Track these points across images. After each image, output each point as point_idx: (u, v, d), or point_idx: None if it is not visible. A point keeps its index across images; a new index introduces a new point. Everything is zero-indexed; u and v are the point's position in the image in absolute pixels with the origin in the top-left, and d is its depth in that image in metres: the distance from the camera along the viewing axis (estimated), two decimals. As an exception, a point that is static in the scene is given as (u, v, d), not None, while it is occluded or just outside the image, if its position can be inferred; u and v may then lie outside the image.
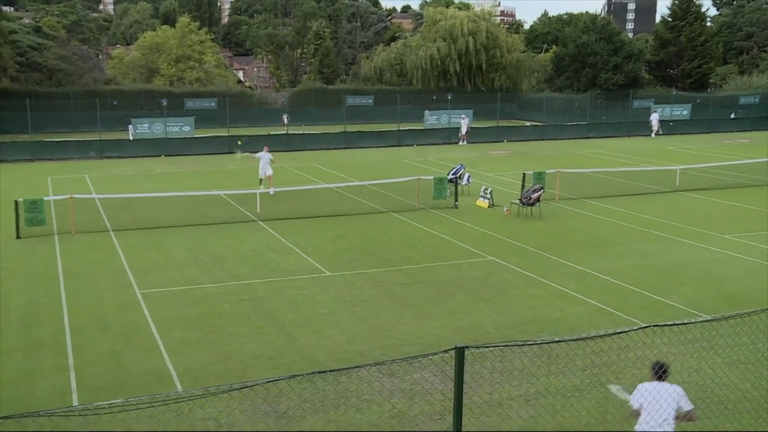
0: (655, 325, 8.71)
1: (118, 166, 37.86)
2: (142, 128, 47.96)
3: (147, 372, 11.61)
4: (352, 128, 50.65)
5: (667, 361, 10.36)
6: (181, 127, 48.49)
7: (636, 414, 7.78)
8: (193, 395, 8.30)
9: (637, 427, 7.71)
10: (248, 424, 9.62)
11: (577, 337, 10.59)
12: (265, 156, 27.70)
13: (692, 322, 12.17)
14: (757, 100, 66.39)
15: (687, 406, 7.68)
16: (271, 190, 26.69)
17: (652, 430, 7.53)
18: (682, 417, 7.68)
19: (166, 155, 42.05)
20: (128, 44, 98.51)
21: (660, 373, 7.79)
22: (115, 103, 58.94)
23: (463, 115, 51.24)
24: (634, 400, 7.82)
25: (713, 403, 10.38)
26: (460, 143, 48.09)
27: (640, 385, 7.88)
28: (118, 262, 18.44)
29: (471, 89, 71.99)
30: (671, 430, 7.54)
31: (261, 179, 27.71)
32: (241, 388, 6.70)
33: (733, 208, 25.35)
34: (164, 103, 48.97)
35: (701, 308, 14.55)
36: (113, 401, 8.77)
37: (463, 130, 48.53)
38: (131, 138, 46.43)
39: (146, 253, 19.23)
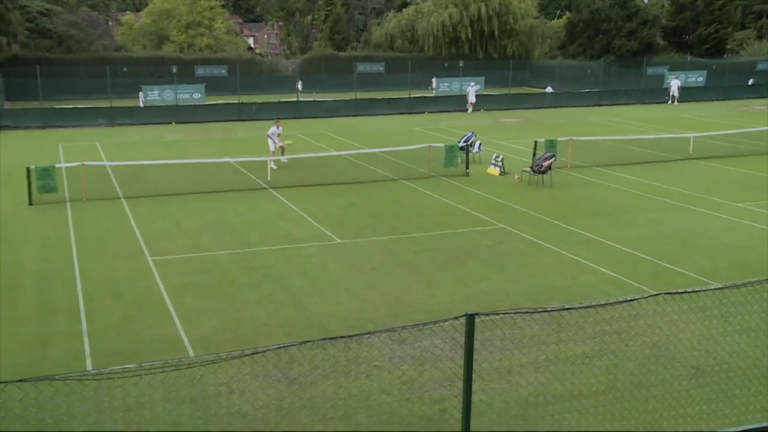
0: (666, 293, 8.71)
1: (128, 133, 37.90)
2: (152, 95, 47.92)
3: (159, 338, 11.72)
4: (362, 96, 50.40)
5: (677, 329, 10.36)
6: (191, 95, 48.42)
7: None
8: (205, 360, 8.37)
9: None
10: (259, 390, 9.72)
11: (587, 305, 10.58)
12: (275, 132, 27.35)
13: (703, 290, 12.13)
14: (775, 66, 65.50)
15: None
16: (284, 158, 26.67)
17: None
18: None
19: (176, 122, 42.02)
20: (138, 10, 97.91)
21: None
22: (125, 70, 58.85)
23: (472, 83, 50.75)
24: None
25: (723, 370, 10.39)
26: (469, 111, 47.69)
27: None
28: (129, 229, 18.53)
29: (483, 56, 71.33)
30: None
31: (273, 151, 27.39)
32: (252, 354, 6.75)
33: (747, 176, 25.14)
34: (174, 70, 48.92)
35: (713, 276, 14.50)
36: (126, 366, 8.86)
37: (472, 98, 48.09)
38: (141, 105, 46.44)
39: (157, 221, 19.31)
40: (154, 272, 15.08)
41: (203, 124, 41.81)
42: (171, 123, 41.90)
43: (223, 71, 62.63)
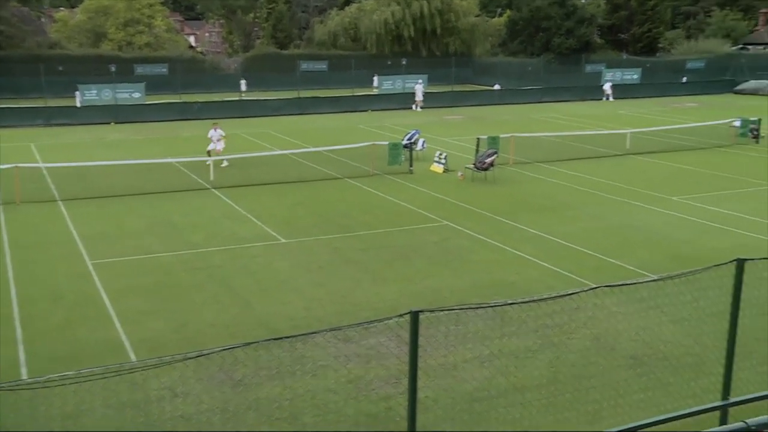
0: (605, 286, 8.94)
1: (66, 133, 36.99)
2: (90, 94, 46.88)
3: (100, 343, 11.49)
4: (306, 94, 50.23)
5: (616, 321, 10.64)
6: (131, 94, 47.53)
7: None
8: (148, 365, 8.25)
9: None
10: (204, 393, 9.63)
11: (529, 299, 10.78)
12: (214, 135, 26.78)
13: (640, 282, 12.49)
14: (703, 64, 67.64)
15: None
16: (209, 160, 25.52)
17: None
18: None
19: (116, 122, 41.17)
20: (73, 7, 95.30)
21: None
22: (60, 68, 57.28)
23: (419, 81, 51.00)
24: None
25: (658, 359, 10.71)
26: (415, 109, 47.92)
27: None
28: (67, 232, 18.09)
29: (426, 54, 71.73)
30: None
31: (209, 151, 26.73)
32: (197, 356, 6.69)
33: (682, 171, 25.91)
34: (113, 69, 47.87)
35: (651, 269, 14.90)
36: (64, 373, 8.67)
37: (419, 96, 48.33)
38: (79, 105, 45.34)
39: (98, 223, 18.91)
40: (93, 275, 14.76)
41: (144, 123, 41.05)
42: (110, 123, 41.02)
43: (164, 70, 61.56)
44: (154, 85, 54.00)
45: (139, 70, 60.44)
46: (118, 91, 46.95)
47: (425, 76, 57.62)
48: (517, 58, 75.25)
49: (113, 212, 20.07)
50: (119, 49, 66.83)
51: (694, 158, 28.37)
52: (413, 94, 48.99)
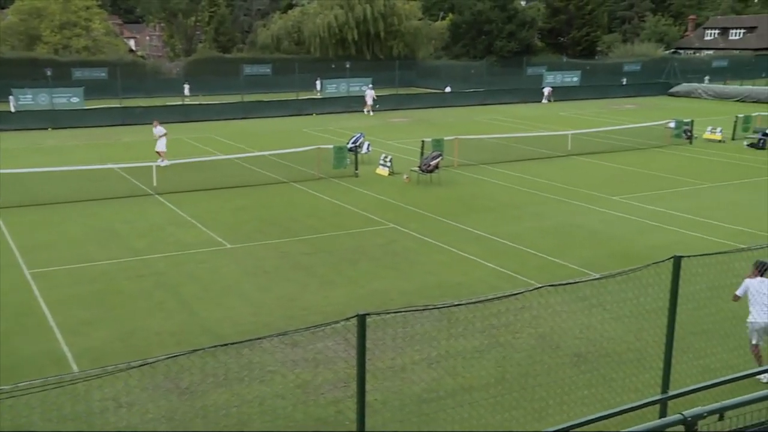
0: (549, 285, 9.11)
1: (0, 139, 35.87)
2: (25, 99, 45.59)
3: (40, 355, 11.19)
4: (250, 98, 49.82)
5: (561, 319, 10.84)
6: (69, 98, 46.42)
7: (737, 298, 10.37)
8: (90, 375, 8.08)
9: (749, 317, 10.18)
10: (149, 402, 9.47)
11: (475, 300, 10.90)
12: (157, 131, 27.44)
13: (583, 281, 12.76)
14: (639, 67, 69.50)
15: None
16: (163, 162, 26.16)
17: (758, 315, 10.08)
18: None
19: (53, 128, 40.15)
20: (2, 8, 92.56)
21: (762, 269, 10.29)
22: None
23: (370, 85, 50.77)
24: (740, 290, 10.30)
25: (601, 356, 10.97)
26: (367, 113, 47.51)
27: (747, 279, 10.30)
28: (3, 241, 17.57)
29: (370, 57, 71.90)
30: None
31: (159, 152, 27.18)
32: (141, 365, 6.58)
33: (621, 171, 26.54)
34: (49, 73, 46.64)
35: (593, 267, 15.23)
36: (1, 387, 8.42)
37: (369, 101, 48.12)
38: (13, 110, 44.05)
39: (36, 231, 18.42)
40: (32, 285, 14.37)
41: (84, 129, 40.10)
42: (48, 128, 39.98)
43: (103, 74, 60.22)
44: (93, 89, 52.79)
45: (77, 74, 59.01)
46: (55, 95, 45.78)
47: (369, 79, 57.71)
48: (460, 61, 76.06)
49: (52, 220, 19.57)
50: (55, 53, 65.12)
51: (632, 158, 29.10)
52: (363, 98, 48.47)
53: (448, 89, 58.50)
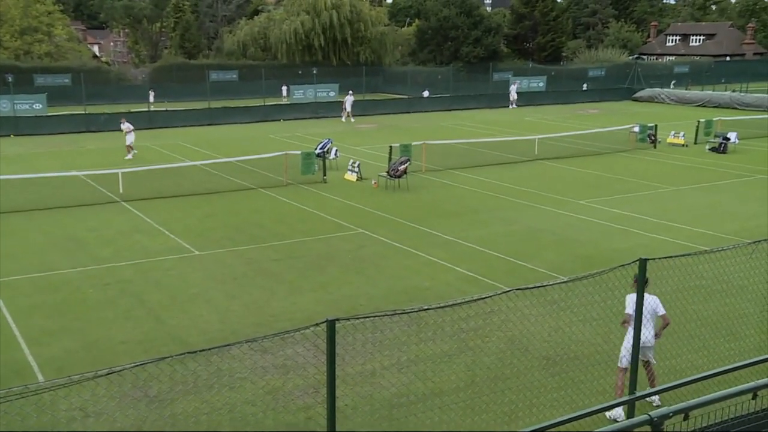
0: (517, 289, 9.17)
1: (-39, 147, 35.17)
2: (-15, 106, 44.65)
3: (3, 365, 10.97)
4: (216, 104, 49.43)
5: (529, 323, 10.94)
6: (31, 105, 45.60)
7: (630, 318, 9.23)
8: (55, 385, 7.95)
9: (629, 327, 9.28)
10: (117, 411, 9.34)
11: (444, 304, 10.95)
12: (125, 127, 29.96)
13: (551, 284, 12.87)
14: (603, 72, 70.49)
15: (661, 311, 9.48)
16: (130, 154, 29.05)
17: (645, 333, 9.15)
18: (661, 322, 9.55)
19: (15, 135, 39.46)
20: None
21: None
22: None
23: (350, 92, 50.16)
24: (629, 308, 9.27)
25: (570, 358, 11.07)
26: (344, 119, 46.91)
27: (628, 297, 9.42)
28: (-34, 250, 17.22)
29: (336, 63, 71.91)
30: (651, 329, 9.41)
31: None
32: (108, 374, 6.50)
33: (587, 175, 26.87)
34: (10, 79, 45.75)
35: (560, 271, 15.38)
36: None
37: (348, 107, 47.29)
38: (-27, 117, 43.16)
39: (-2, 240, 18.08)
40: (-5, 295, 14.10)
41: (47, 136, 39.49)
42: (9, 135, 39.27)
43: (67, 80, 59.33)
44: (56, 96, 52.01)
45: (40, 80, 58.08)
46: (17, 102, 44.94)
47: (336, 86, 57.70)
48: (426, 66, 76.42)
49: (14, 228, 19.23)
50: (16, 58, 64.05)
51: (597, 162, 29.48)
52: (338, 104, 47.79)
53: (426, 93, 58.67)
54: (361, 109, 50.90)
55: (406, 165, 24.50)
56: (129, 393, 9.74)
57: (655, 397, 9.08)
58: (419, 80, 68.67)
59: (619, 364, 9.55)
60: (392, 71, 74.72)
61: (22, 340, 11.96)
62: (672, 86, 64.36)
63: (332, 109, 49.40)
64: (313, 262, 16.26)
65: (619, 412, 8.85)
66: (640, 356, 9.13)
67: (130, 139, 30.62)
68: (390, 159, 25.85)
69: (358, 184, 25.38)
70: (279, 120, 47.06)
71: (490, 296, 9.06)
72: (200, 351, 7.15)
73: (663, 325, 9.57)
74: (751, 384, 5.98)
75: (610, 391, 9.50)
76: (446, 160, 28.96)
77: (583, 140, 34.32)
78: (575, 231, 18.95)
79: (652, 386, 9.19)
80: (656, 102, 58.27)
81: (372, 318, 11.29)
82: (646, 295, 9.10)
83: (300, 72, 65.93)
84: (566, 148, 32.72)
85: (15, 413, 8.44)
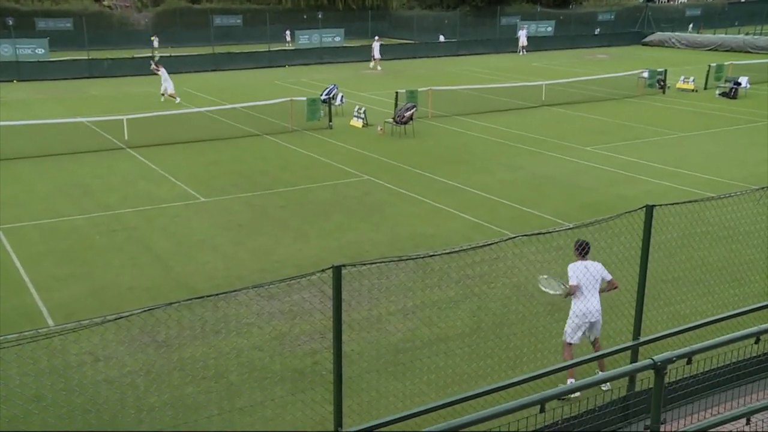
0: (523, 235, 9.18)
1: (-35, 93, 35.00)
2: (-13, 50, 44.27)
3: (14, 310, 11.10)
4: (221, 50, 48.91)
5: (535, 269, 10.96)
6: (33, 50, 45.15)
7: (575, 288, 8.88)
8: (65, 329, 8.04)
9: (575, 300, 8.94)
10: (126, 355, 9.47)
11: (450, 251, 10.97)
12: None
13: (556, 231, 12.85)
14: (612, 16, 69.26)
15: (608, 276, 9.03)
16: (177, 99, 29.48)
17: (586, 300, 8.88)
18: (607, 285, 9.05)
19: (18, 80, 39.21)
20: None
21: (583, 250, 9.10)
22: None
23: (376, 37, 48.95)
24: (573, 278, 8.89)
25: (576, 304, 11.10)
26: (372, 67, 45.30)
27: (571, 265, 8.99)
28: (-27, 197, 17.27)
29: (342, 7, 70.69)
30: (598, 300, 8.97)
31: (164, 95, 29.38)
32: (116, 319, 6.56)
33: (595, 121, 26.63)
34: (10, 23, 45.24)
35: (566, 217, 15.36)
36: (-24, 342, 8.37)
37: (377, 54, 45.88)
38: (-24, 62, 42.84)
39: (5, 187, 18.10)
40: (3, 241, 14.19)
41: (50, 81, 39.25)
42: (12, 81, 39.04)
43: (68, 25, 58.63)
44: (58, 40, 51.39)
45: (41, 24, 57.41)
46: (18, 46, 44.50)
47: (341, 30, 56.90)
48: (433, 11, 75.10)
49: (19, 175, 19.24)
50: (16, 2, 63.13)
51: (605, 109, 29.18)
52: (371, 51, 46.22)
53: (441, 38, 57.63)
54: (366, 55, 50.28)
55: (412, 111, 24.30)
56: (137, 338, 9.86)
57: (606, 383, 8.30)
58: (426, 25, 67.62)
59: (565, 339, 8.98)
60: (398, 16, 73.52)
61: (32, 285, 12.07)
62: (691, 29, 63.11)
63: (338, 54, 48.87)
64: (319, 209, 16.26)
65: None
66: (586, 334, 8.90)
67: (167, 86, 31.06)
68: (396, 105, 25.63)
69: (364, 130, 25.22)
70: (284, 66, 46.59)
71: (496, 242, 9.04)
72: (207, 297, 7.20)
73: (609, 288, 9.06)
74: (754, 329, 6.01)
75: (614, 336, 9.57)
76: (453, 106, 28.71)
77: (591, 86, 33.90)
78: (581, 178, 18.87)
79: (601, 369, 8.66)
80: (666, 46, 57.38)
81: (378, 264, 11.37)
82: (588, 262, 8.98)
83: (305, 17, 64.96)
84: (573, 94, 32.36)
85: (27, 356, 8.57)
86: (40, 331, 9.06)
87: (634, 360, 7.87)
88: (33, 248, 13.83)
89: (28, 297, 11.63)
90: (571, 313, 8.99)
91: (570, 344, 8.96)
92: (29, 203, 16.76)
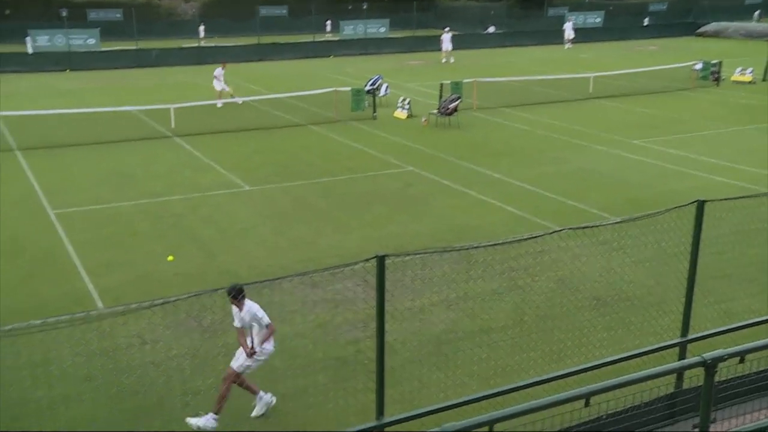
0: (569, 228, 9.03)
1: (17, 81, 35.85)
2: (41, 41, 45.32)
3: (66, 294, 11.35)
4: (266, 40, 49.27)
5: (580, 263, 10.81)
6: (85, 40, 46.13)
7: (240, 331, 8.01)
8: (115, 312, 8.20)
9: (267, 341, 8.04)
10: (173, 339, 9.62)
11: (495, 243, 10.88)
12: (220, 72, 28.41)
13: (603, 224, 12.68)
14: (665, 6, 67.76)
15: (266, 320, 7.96)
16: (219, 103, 27.64)
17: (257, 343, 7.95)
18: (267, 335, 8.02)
19: (71, 70, 40.04)
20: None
21: (238, 295, 7.83)
22: (7, 12, 55.08)
23: (447, 28, 48.31)
24: (237, 322, 7.98)
25: (620, 299, 10.96)
26: (444, 61, 43.92)
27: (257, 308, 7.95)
28: (26, 183, 17.70)
29: (387, -2, 70.52)
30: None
31: (219, 92, 28.19)
32: (163, 303, 6.67)
33: (643, 114, 26.15)
34: (64, 14, 46.21)
35: (612, 211, 15.12)
36: (31, 322, 8.57)
37: (449, 46, 44.54)
38: (30, 51, 43.87)
39: (56, 173, 18.51)
40: (56, 226, 14.52)
41: (100, 71, 40.00)
42: (65, 70, 39.89)
43: (119, 15, 59.68)
44: (108, 31, 52.35)
45: (93, 15, 58.52)
46: (71, 37, 45.46)
47: (387, 21, 56.82)
48: (479, 2, 74.47)
49: (72, 162, 19.66)
50: (69, -7, 64.34)
51: (655, 101, 28.62)
52: (440, 43, 45.15)
53: (491, 29, 56.83)
54: (411, 46, 50.20)
55: (456, 103, 24.17)
56: (183, 322, 10.00)
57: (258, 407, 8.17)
58: (471, 16, 67.12)
59: (237, 370, 7.97)
60: (444, 6, 73.11)
61: (83, 269, 12.32)
62: (757, 17, 60.96)
63: (382, 45, 48.86)
64: (361, 200, 16.28)
65: (203, 421, 7.83)
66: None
67: (219, 85, 28.39)
68: (441, 96, 25.51)
69: (408, 121, 25.16)
70: (329, 56, 46.71)
71: (541, 235, 8.97)
72: (252, 283, 7.26)
73: (268, 334, 8.03)
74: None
75: (661, 333, 9.39)
76: (498, 98, 28.47)
77: (641, 78, 33.27)
78: (629, 172, 18.55)
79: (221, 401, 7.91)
80: (723, 37, 55.90)
81: (421, 255, 11.34)
82: (247, 302, 7.83)
83: (350, 7, 65.01)
84: (622, 86, 31.82)
85: (79, 338, 8.76)
86: (90, 313, 9.25)
87: (682, 357, 7.72)
88: (83, 233, 14.12)
89: (79, 281, 11.87)
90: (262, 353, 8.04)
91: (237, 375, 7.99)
92: (80, 190, 17.11)
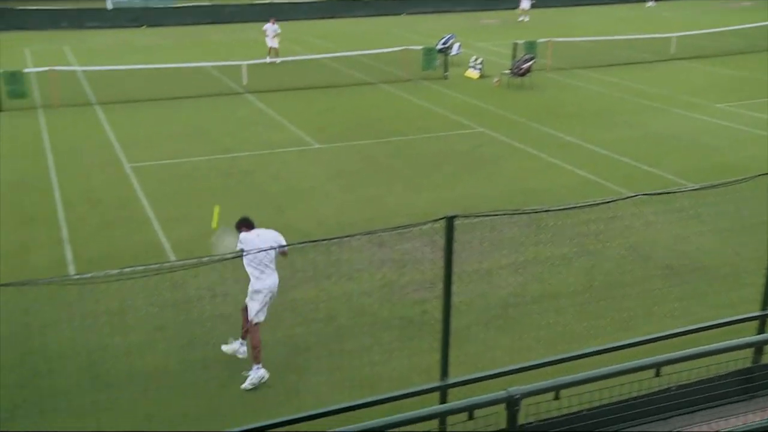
0: (643, 194, 8.81)
1: (97, 37, 36.74)
2: (120, -4, 46.10)
3: (140, 244, 11.70)
4: (338, -3, 48.99)
5: (655, 230, 10.51)
6: (161, -4, 46.68)
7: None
8: (186, 264, 8.41)
9: (257, 277, 8.13)
10: (241, 294, 9.79)
11: (565, 207, 10.69)
12: (269, 27, 28.03)
13: (679, 191, 12.28)
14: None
15: (283, 242, 8.18)
16: (268, 59, 27.13)
17: (266, 273, 8.16)
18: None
19: (148, 26, 40.76)
20: None
21: (247, 224, 8.39)
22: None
23: None
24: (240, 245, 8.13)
25: (694, 269, 10.64)
26: (520, 20, 43.23)
27: (242, 235, 8.29)
28: (104, 136, 18.22)
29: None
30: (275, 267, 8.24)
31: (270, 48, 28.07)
32: (234, 257, 6.78)
33: (728, 76, 25.07)
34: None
35: (689, 178, 14.62)
36: (108, 271, 8.87)
37: (527, 5, 43.94)
38: (109, 7, 44.76)
39: (132, 127, 18.98)
40: (131, 179, 14.93)
41: (175, 27, 40.57)
42: (142, 26, 40.63)
43: (194, -29, 60.11)
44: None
45: (169, -29, 59.09)
46: (148, -7, 46.11)
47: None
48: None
49: (147, 117, 20.11)
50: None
51: (743, 62, 27.35)
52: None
53: (651, 3, 53.22)
54: (485, 4, 49.17)
55: (530, 63, 23.64)
56: (252, 277, 10.17)
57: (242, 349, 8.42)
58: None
59: (253, 320, 8.15)
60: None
61: (156, 221, 12.67)
62: None
63: (456, 2, 47.94)
64: (430, 160, 16.18)
65: (236, 346, 8.41)
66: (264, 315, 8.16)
67: (274, 43, 28.02)
68: (514, 56, 24.97)
69: (480, 81, 24.78)
70: (401, 14, 46.22)
71: (614, 200, 8.73)
72: (320, 240, 7.32)
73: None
74: None
75: (737, 305, 9.08)
76: (573, 58, 27.71)
77: (729, 37, 31.77)
78: (709, 137, 17.87)
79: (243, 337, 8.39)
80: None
81: (491, 217, 11.22)
82: (260, 230, 8.22)
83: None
84: (707, 47, 30.50)
85: (153, 288, 9.04)
86: (164, 265, 9.52)
87: (761, 331, 7.46)
88: (156, 186, 14.48)
89: (152, 233, 12.22)
90: (253, 291, 8.14)
91: (258, 324, 8.16)
92: (154, 144, 17.51)
